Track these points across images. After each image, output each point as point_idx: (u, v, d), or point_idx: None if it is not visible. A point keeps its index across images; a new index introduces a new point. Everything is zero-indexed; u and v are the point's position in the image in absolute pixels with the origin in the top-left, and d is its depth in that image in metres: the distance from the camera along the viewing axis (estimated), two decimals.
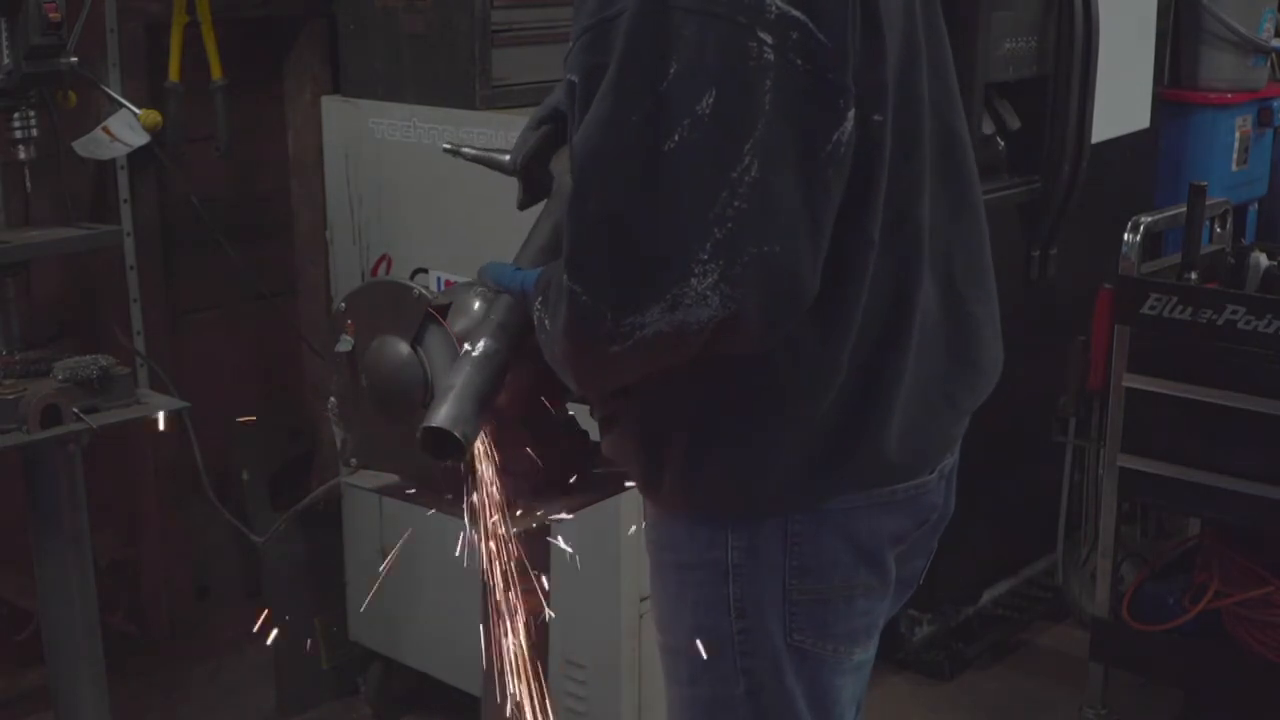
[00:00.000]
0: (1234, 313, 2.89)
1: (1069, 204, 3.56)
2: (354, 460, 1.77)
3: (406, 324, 1.66)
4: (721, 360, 1.43)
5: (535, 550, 1.71)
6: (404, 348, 1.66)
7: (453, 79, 2.89)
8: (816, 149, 1.35)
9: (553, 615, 1.76)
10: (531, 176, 1.77)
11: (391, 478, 1.76)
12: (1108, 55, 3.51)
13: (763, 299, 1.34)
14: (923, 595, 2.13)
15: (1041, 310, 3.56)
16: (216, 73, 3.02)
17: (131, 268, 2.99)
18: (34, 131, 2.49)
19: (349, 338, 1.71)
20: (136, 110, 2.81)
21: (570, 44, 1.42)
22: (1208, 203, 3.19)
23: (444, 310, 1.66)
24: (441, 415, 1.51)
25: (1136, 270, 3.09)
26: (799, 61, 1.32)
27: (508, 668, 1.68)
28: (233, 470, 3.23)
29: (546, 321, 1.45)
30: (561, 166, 1.72)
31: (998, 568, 3.82)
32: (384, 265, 3.10)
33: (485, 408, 1.55)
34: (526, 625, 1.69)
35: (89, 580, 2.56)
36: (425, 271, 2.99)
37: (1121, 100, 3.75)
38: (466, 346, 1.58)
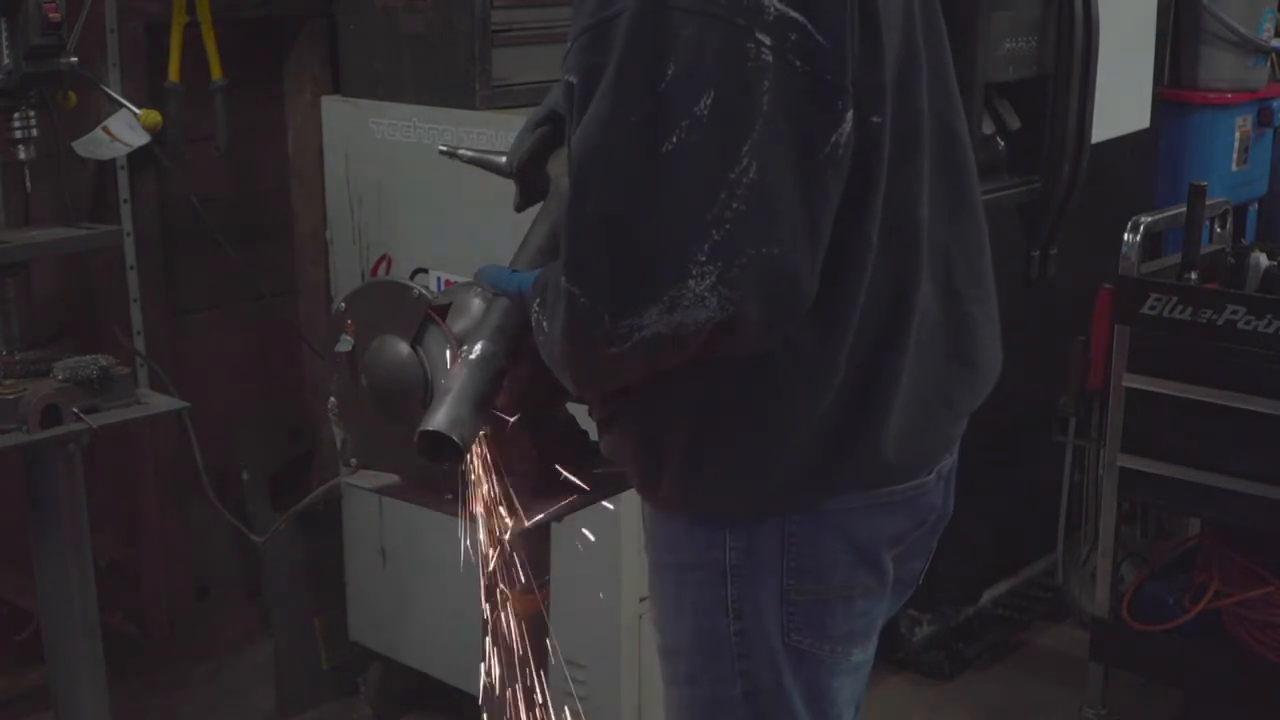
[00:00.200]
0: (1234, 313, 2.89)
1: (1069, 204, 3.56)
2: (354, 460, 1.77)
3: (406, 324, 1.66)
4: (720, 361, 1.43)
5: (535, 550, 1.71)
6: (404, 348, 1.66)
7: (453, 79, 2.89)
8: (815, 150, 1.35)
9: (553, 615, 1.76)
10: (528, 178, 1.77)
11: (391, 478, 1.76)
12: (1108, 55, 3.51)
13: (761, 300, 1.34)
14: (923, 595, 2.12)
15: (1041, 310, 3.56)
16: (216, 73, 3.02)
17: (131, 268, 2.99)
18: (34, 131, 2.49)
19: (349, 338, 1.71)
20: (136, 110, 2.81)
21: (568, 44, 1.42)
22: (1208, 203, 3.19)
23: (444, 310, 1.66)
24: (438, 419, 1.51)
25: (1136, 270, 3.09)
26: (797, 63, 1.32)
27: (508, 668, 1.68)
28: (233, 470, 3.23)
29: (544, 323, 1.45)
30: (559, 168, 1.72)
31: (998, 568, 3.82)
32: (384, 265, 3.10)
33: (482, 410, 1.55)
34: (526, 625, 1.69)
35: (89, 580, 2.56)
36: (425, 271, 2.99)
37: (1121, 100, 3.75)
38: (464, 349, 1.58)
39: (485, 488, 1.63)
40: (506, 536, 1.65)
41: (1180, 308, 2.96)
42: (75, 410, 2.38)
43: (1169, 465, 3.05)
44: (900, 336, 1.51)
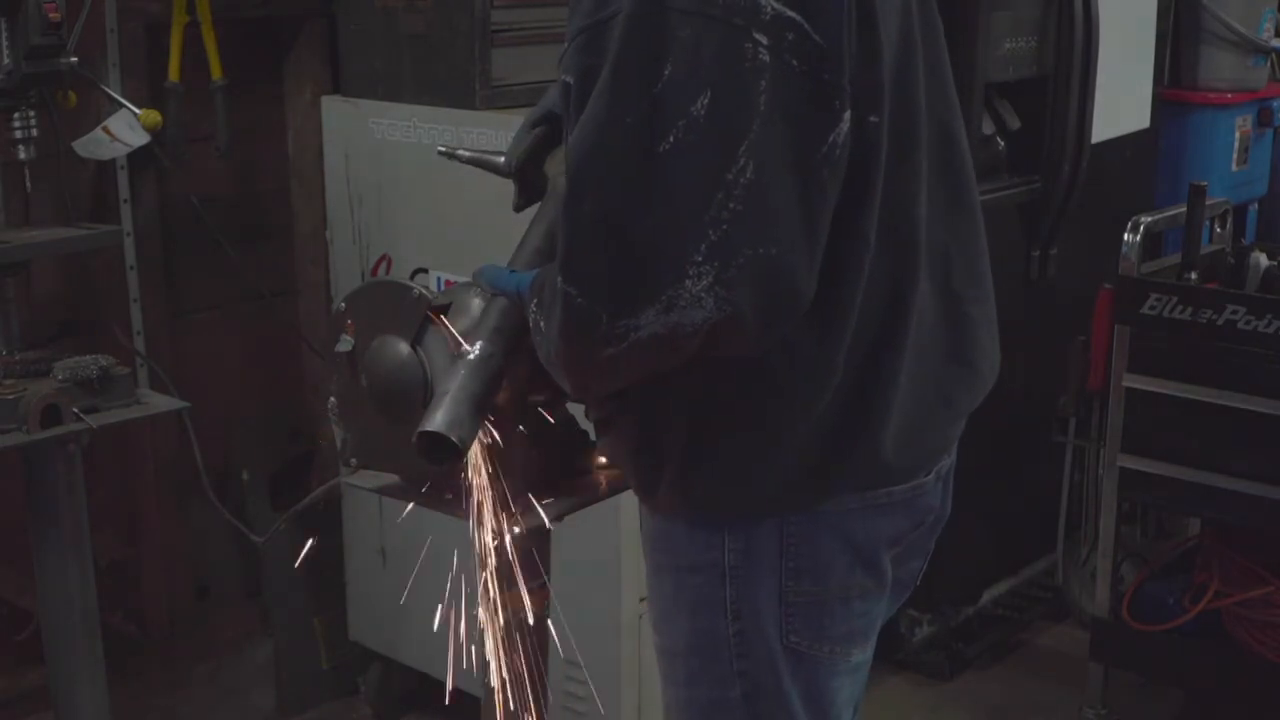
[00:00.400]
0: (1234, 313, 2.89)
1: (1069, 204, 3.56)
2: (354, 460, 1.77)
3: (406, 324, 1.66)
4: (717, 362, 1.43)
5: (534, 550, 1.71)
6: (404, 348, 1.66)
7: (453, 79, 2.89)
8: (812, 150, 1.35)
9: (553, 615, 1.76)
10: (527, 178, 1.77)
11: (391, 478, 1.76)
12: (1108, 55, 3.51)
13: (758, 301, 1.34)
14: (922, 596, 2.13)
15: (1041, 310, 3.56)
16: (216, 73, 3.02)
17: (131, 268, 2.99)
18: (34, 131, 2.49)
19: (349, 338, 1.71)
20: (136, 110, 2.81)
21: (565, 45, 1.42)
22: (1208, 203, 3.19)
23: (444, 310, 1.66)
24: (437, 420, 1.51)
25: (1136, 270, 3.09)
26: (794, 63, 1.32)
27: (507, 668, 1.68)
28: (233, 470, 3.23)
29: (541, 324, 1.45)
30: (556, 168, 1.72)
31: (998, 568, 3.82)
32: (384, 265, 3.10)
33: (481, 411, 1.55)
34: (526, 625, 1.69)
35: (89, 580, 2.56)
36: (425, 271, 2.99)
37: (1121, 100, 3.75)
38: (462, 349, 1.58)
39: (485, 488, 1.63)
40: (506, 537, 1.65)
41: (1180, 308, 2.96)
42: (75, 410, 2.38)
43: (1169, 465, 3.05)
44: (898, 337, 1.51)
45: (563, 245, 1.37)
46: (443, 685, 3.16)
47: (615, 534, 2.74)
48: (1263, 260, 3.14)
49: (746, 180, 1.31)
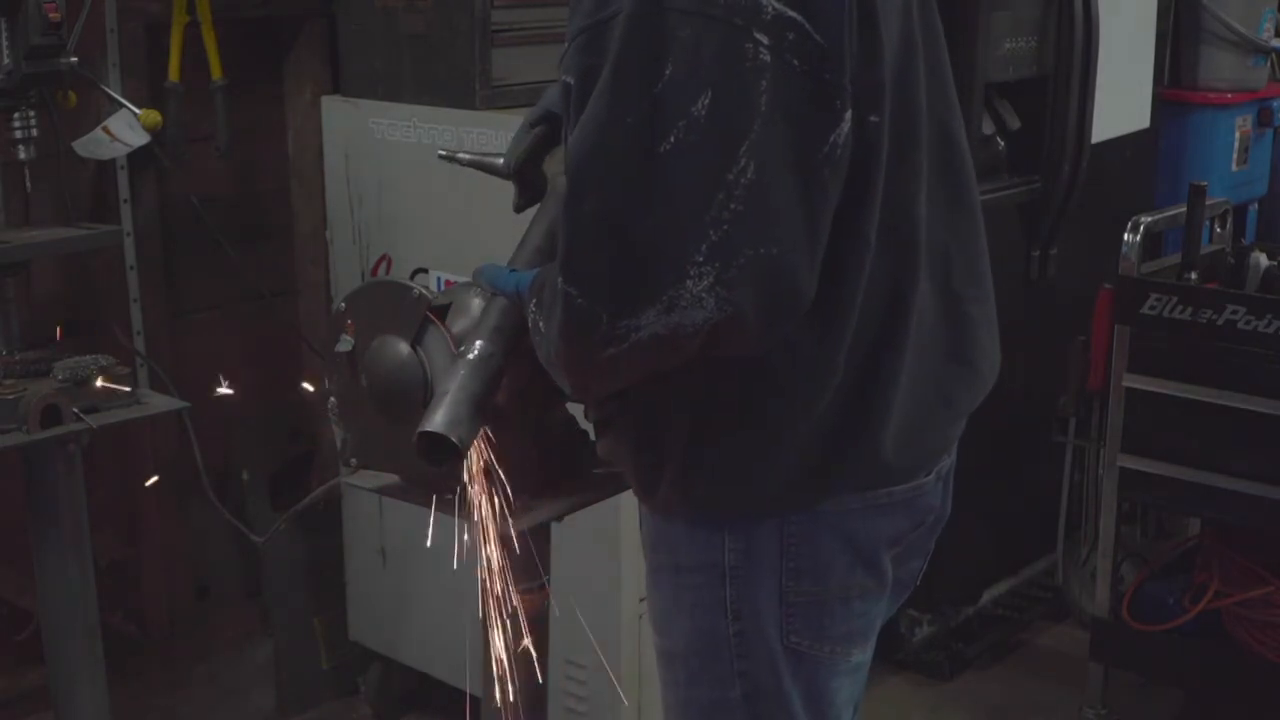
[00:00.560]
0: (1234, 313, 2.89)
1: (1069, 204, 3.56)
2: (354, 460, 1.77)
3: (406, 324, 1.66)
4: (718, 361, 1.42)
5: (534, 550, 1.71)
6: (404, 348, 1.66)
7: (453, 79, 2.89)
8: (813, 150, 1.35)
9: (553, 615, 1.76)
10: (526, 179, 1.77)
11: (391, 478, 1.76)
12: (1108, 55, 3.51)
13: (759, 301, 1.34)
14: (922, 596, 2.13)
15: (1041, 310, 3.56)
16: (216, 73, 3.02)
17: (131, 268, 2.99)
18: (34, 131, 2.49)
19: (349, 338, 1.71)
20: (136, 110, 2.81)
21: (565, 45, 1.42)
22: (1208, 203, 3.19)
23: (444, 310, 1.66)
24: (437, 420, 1.51)
25: (1136, 270, 3.09)
26: (795, 62, 1.32)
27: (507, 667, 1.68)
28: (233, 470, 3.23)
29: (541, 324, 1.45)
30: (555, 167, 1.72)
31: (998, 568, 3.82)
32: (384, 265, 3.10)
33: (481, 411, 1.55)
34: (526, 625, 1.69)
35: (89, 580, 2.56)
36: (425, 271, 2.99)
37: (1121, 100, 3.75)
38: (462, 349, 1.58)
39: (485, 488, 1.63)
40: (506, 536, 1.65)
41: (1180, 308, 2.96)
42: (75, 410, 2.38)
43: (1169, 465, 3.05)
44: (899, 336, 1.51)
45: (563, 245, 1.37)
46: (443, 685, 3.17)
47: (615, 534, 2.74)
48: (1263, 260, 3.14)
49: (747, 180, 1.31)
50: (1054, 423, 3.48)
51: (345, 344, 1.71)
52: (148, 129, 2.82)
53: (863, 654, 1.65)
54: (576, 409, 1.73)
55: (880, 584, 1.60)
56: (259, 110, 3.22)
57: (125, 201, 2.97)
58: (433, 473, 1.62)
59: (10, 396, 2.35)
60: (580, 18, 1.38)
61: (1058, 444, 3.53)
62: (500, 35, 2.88)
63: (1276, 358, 2.86)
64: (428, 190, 2.96)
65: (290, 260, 3.35)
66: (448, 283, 2.91)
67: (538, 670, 1.71)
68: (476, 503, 1.63)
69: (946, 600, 3.62)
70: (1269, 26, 4.20)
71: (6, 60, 2.39)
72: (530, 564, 1.68)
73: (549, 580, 1.75)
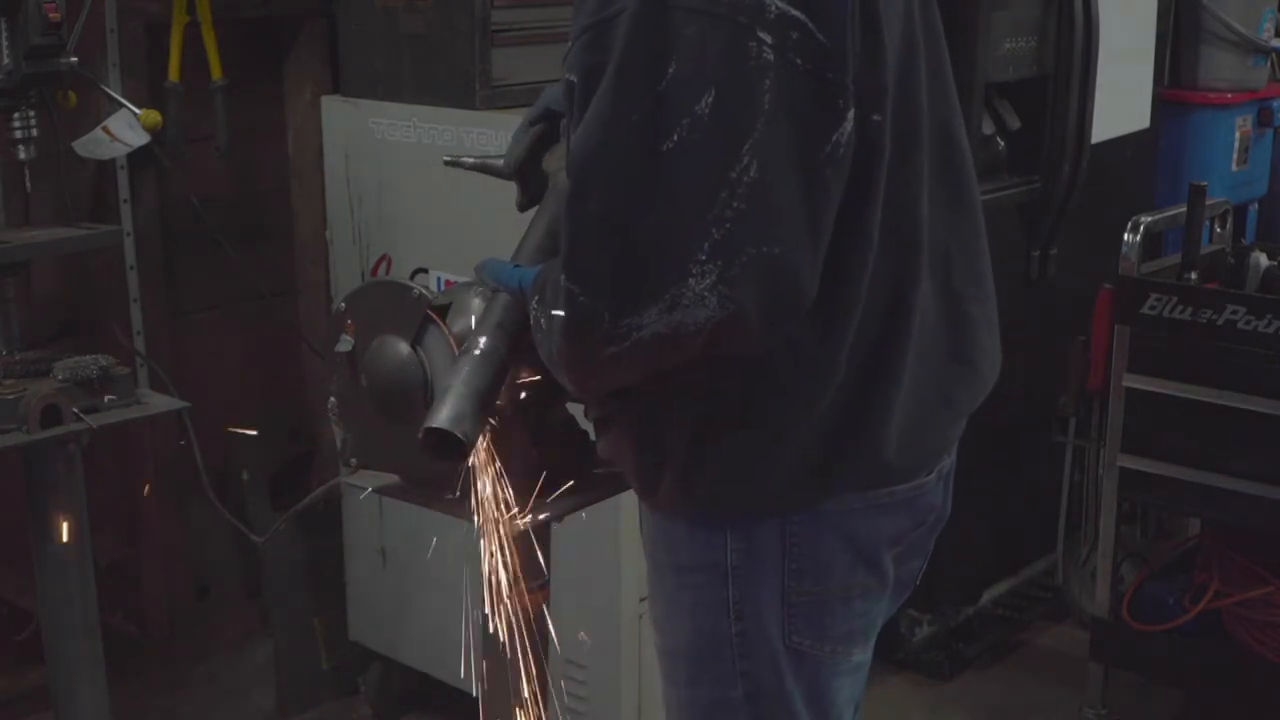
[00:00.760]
0: (1234, 313, 2.89)
1: (1069, 204, 3.56)
2: (354, 460, 1.77)
3: (406, 324, 1.66)
4: (720, 361, 1.42)
5: (535, 550, 1.71)
6: (404, 348, 1.66)
7: (453, 79, 2.89)
8: (816, 149, 1.35)
9: (553, 615, 1.76)
10: (528, 178, 1.77)
11: (391, 478, 1.76)
12: (1108, 55, 3.51)
13: (761, 299, 1.34)
14: (922, 595, 2.12)
15: (1041, 310, 3.56)
16: (216, 73, 3.02)
17: (131, 268, 2.99)
18: (34, 131, 2.49)
19: (349, 338, 1.71)
20: (136, 110, 2.81)
21: (569, 43, 1.42)
22: (1208, 203, 3.19)
23: (444, 310, 1.66)
24: (443, 416, 1.50)
25: (1136, 270, 3.09)
26: (799, 61, 1.32)
27: (506, 667, 1.68)
28: (233, 470, 3.23)
29: (543, 321, 1.45)
30: (554, 163, 1.72)
31: (998, 568, 3.82)
32: (384, 265, 3.10)
33: (485, 407, 1.54)
34: (526, 625, 1.69)
35: (89, 580, 2.56)
36: (425, 271, 2.99)
37: (1121, 100, 3.75)
38: (466, 345, 1.57)
39: (485, 487, 1.63)
40: (507, 536, 1.65)
41: (1180, 308, 2.96)
42: (75, 410, 2.38)
43: (1169, 465, 3.05)
44: (900, 336, 1.51)
45: (566, 243, 1.37)
46: (443, 685, 3.17)
47: (615, 534, 2.74)
48: (1263, 260, 3.14)
49: (750, 179, 1.31)
50: (1054, 423, 3.48)
51: (345, 344, 1.71)
52: (148, 129, 2.82)
53: (864, 653, 1.65)
54: (577, 409, 1.73)
55: (882, 583, 1.60)
56: (259, 110, 3.22)
57: (125, 201, 2.97)
58: (433, 473, 1.62)
59: (10, 396, 2.35)
60: (584, 16, 1.38)
61: (1058, 444, 3.53)
62: (500, 35, 2.88)
63: (1276, 358, 2.86)
64: (428, 190, 2.96)
65: (290, 260, 3.35)
66: (448, 283, 2.91)
67: (538, 670, 1.70)
68: (477, 503, 1.63)
69: (946, 600, 3.62)
70: (1269, 26, 4.20)
71: (6, 60, 2.39)
72: (531, 563, 1.68)
73: (549, 580, 1.75)
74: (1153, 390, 3.05)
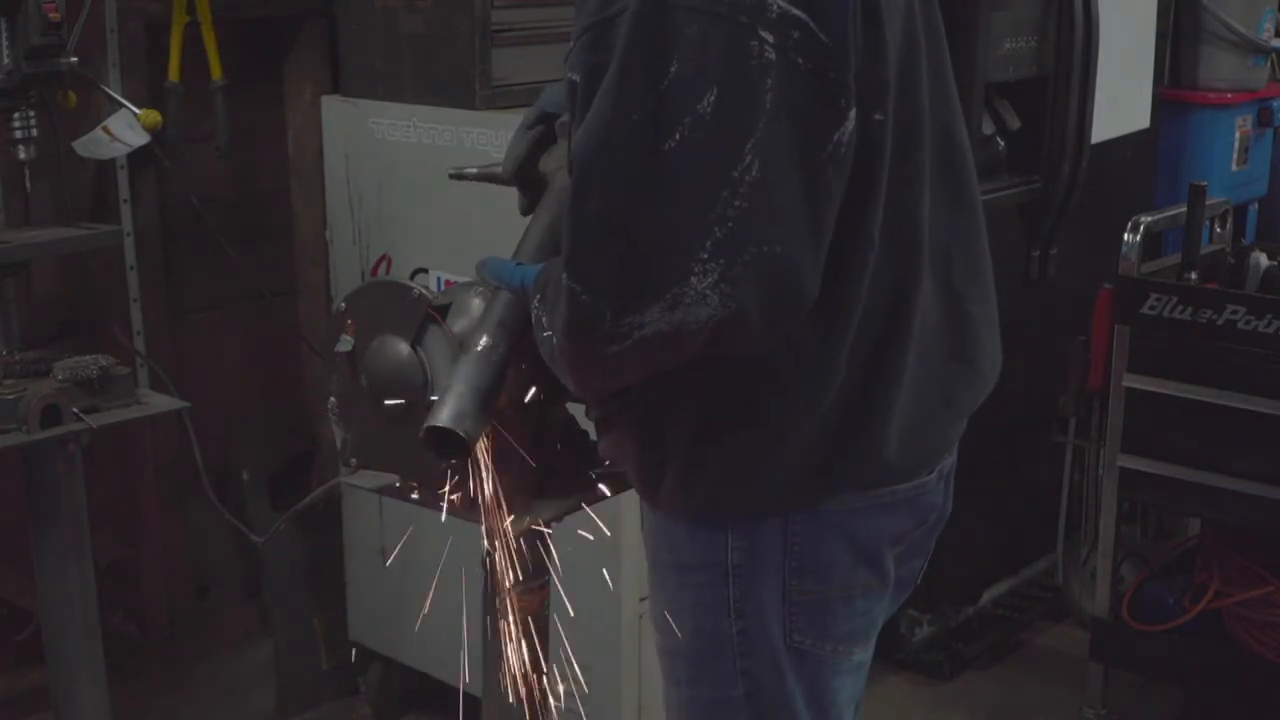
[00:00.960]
0: (1234, 313, 2.89)
1: (1069, 204, 3.56)
2: (354, 460, 1.76)
3: (406, 324, 1.66)
4: (721, 360, 1.42)
5: (535, 550, 1.71)
6: (404, 348, 1.66)
7: (453, 79, 2.89)
8: (818, 148, 1.35)
9: (553, 615, 1.76)
10: (528, 180, 1.77)
11: (391, 478, 1.76)
12: (1108, 55, 3.51)
13: (763, 298, 1.33)
14: (922, 595, 2.12)
15: (1041, 310, 3.56)
16: (216, 73, 3.02)
17: (131, 268, 2.99)
18: (34, 131, 2.49)
19: (349, 338, 1.71)
20: (136, 110, 2.81)
21: (571, 43, 1.42)
22: (1208, 203, 3.19)
23: (444, 310, 1.66)
24: (445, 414, 1.50)
25: (1136, 270, 3.09)
26: (800, 61, 1.32)
27: (508, 668, 1.68)
28: (233, 470, 3.23)
29: (544, 319, 1.45)
30: (552, 163, 1.72)
31: (998, 568, 3.82)
32: (384, 265, 3.10)
33: (487, 405, 1.54)
34: (527, 625, 1.69)
35: (89, 580, 2.56)
36: (425, 271, 2.99)
37: (1121, 100, 3.75)
38: (467, 343, 1.57)
39: (485, 487, 1.63)
40: (507, 536, 1.65)
41: (1180, 308, 2.96)
42: (75, 410, 2.38)
43: (1169, 465, 3.05)
44: (901, 336, 1.51)
45: (568, 242, 1.37)
46: (443, 685, 3.17)
47: (615, 534, 2.73)
48: (1263, 260, 3.14)
49: (752, 178, 1.31)
50: (1054, 423, 3.48)
51: (345, 344, 1.71)
52: (148, 129, 2.82)
53: (864, 653, 1.65)
54: (577, 409, 1.73)
55: (883, 583, 1.60)
56: (259, 110, 3.22)
57: (125, 201, 2.97)
58: (433, 473, 1.62)
59: (10, 396, 2.35)
60: (586, 15, 1.38)
61: (1058, 444, 3.53)
62: (500, 35, 2.88)
63: (1276, 358, 2.86)
64: (428, 190, 2.96)
65: (290, 260, 3.35)
66: (448, 283, 2.91)
67: (538, 670, 1.70)
68: (477, 503, 1.63)
69: (946, 600, 3.62)
70: (1269, 26, 4.20)
71: (6, 60, 2.39)
72: (531, 563, 1.68)
73: (549, 579, 1.75)
74: (1153, 390, 3.05)
